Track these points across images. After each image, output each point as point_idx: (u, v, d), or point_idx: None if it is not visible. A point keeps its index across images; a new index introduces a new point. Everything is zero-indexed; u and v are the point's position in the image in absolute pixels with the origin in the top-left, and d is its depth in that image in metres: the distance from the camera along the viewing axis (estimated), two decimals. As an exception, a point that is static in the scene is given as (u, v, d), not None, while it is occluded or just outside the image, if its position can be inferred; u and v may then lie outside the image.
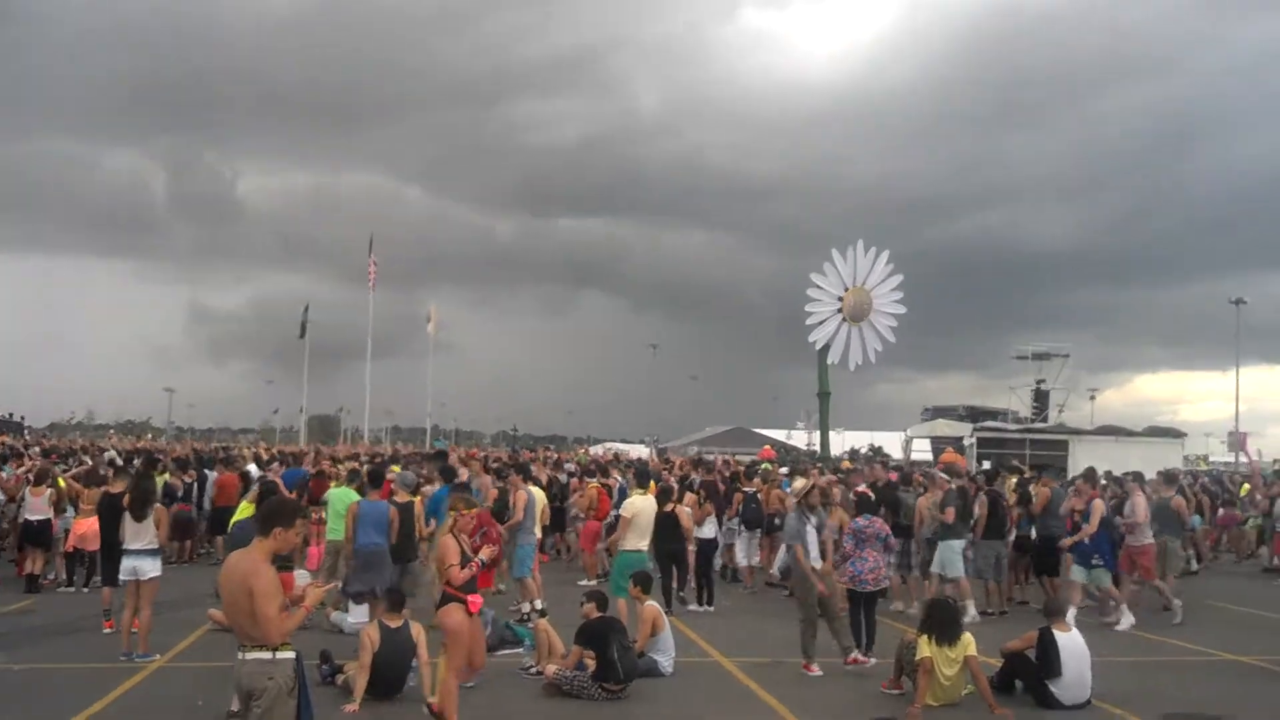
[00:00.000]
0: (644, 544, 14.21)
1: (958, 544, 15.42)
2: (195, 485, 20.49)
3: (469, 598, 8.58)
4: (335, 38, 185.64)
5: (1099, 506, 15.60)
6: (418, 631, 10.41)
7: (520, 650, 12.34)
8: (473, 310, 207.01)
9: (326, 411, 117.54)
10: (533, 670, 11.38)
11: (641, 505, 14.33)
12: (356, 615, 12.98)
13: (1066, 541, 15.61)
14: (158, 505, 12.40)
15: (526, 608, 14.35)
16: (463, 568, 8.49)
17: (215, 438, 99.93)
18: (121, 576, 11.94)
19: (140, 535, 11.92)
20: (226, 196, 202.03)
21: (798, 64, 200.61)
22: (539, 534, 16.40)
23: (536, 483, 17.69)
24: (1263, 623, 15.84)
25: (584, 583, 17.33)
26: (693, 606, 15.96)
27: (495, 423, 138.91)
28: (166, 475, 19.87)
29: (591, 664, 10.65)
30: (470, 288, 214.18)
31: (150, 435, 67.08)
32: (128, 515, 12.00)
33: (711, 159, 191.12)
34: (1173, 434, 46.33)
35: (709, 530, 17.31)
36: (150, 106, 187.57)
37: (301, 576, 13.33)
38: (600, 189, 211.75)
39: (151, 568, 11.87)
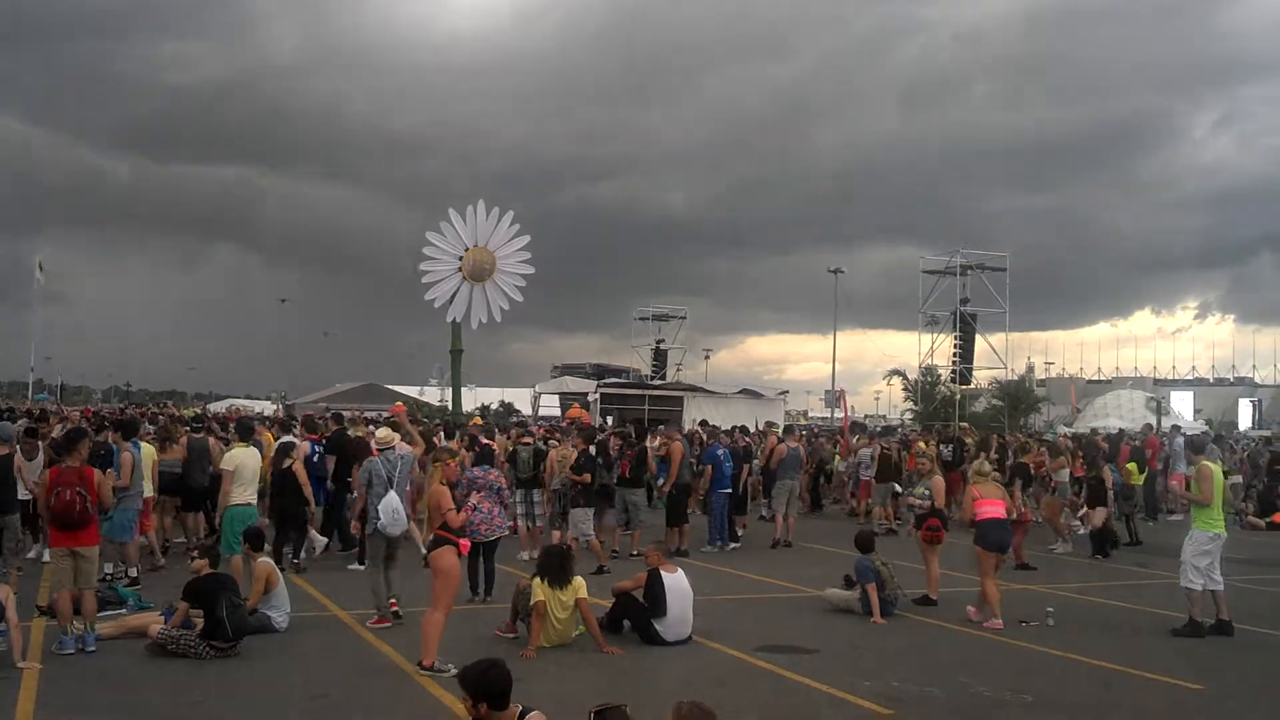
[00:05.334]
0: (251, 497, 13.84)
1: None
2: None
3: (460, 541, 9.92)
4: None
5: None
6: (5, 593, 9.77)
7: (124, 611, 11.82)
8: (89, 259, 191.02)
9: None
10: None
11: (244, 457, 13.95)
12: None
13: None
14: None
15: (115, 569, 13.82)
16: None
17: None
18: None
19: None
20: None
21: (446, 13, 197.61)
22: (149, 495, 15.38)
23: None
24: (847, 560, 17.29)
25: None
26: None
27: (107, 378, 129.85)
28: None
29: (199, 622, 10.32)
30: (85, 234, 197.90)
31: None
32: None
33: (355, 110, 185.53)
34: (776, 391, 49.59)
35: None
36: None
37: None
38: (233, 136, 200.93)
39: None
